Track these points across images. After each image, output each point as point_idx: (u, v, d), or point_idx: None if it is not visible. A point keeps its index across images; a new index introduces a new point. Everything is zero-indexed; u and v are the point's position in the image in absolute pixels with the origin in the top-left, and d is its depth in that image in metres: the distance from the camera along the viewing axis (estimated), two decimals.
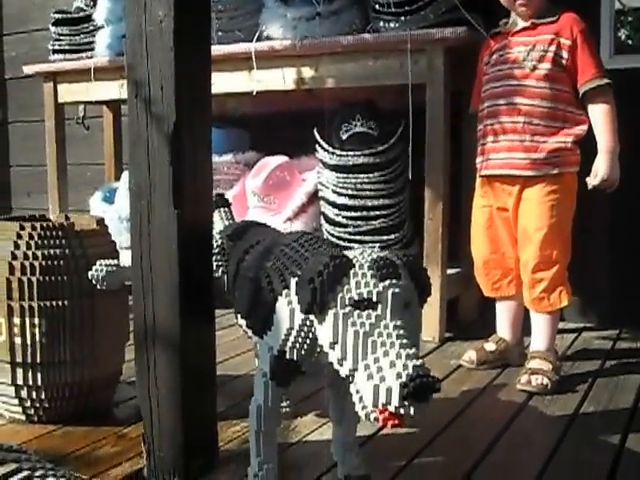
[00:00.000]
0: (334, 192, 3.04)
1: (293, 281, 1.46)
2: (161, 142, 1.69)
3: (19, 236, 2.08)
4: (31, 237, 2.08)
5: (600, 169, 2.35)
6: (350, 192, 2.99)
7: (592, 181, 2.37)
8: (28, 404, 2.11)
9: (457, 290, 3.11)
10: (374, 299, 1.33)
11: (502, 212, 2.53)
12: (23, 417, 2.14)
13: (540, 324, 2.49)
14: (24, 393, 2.10)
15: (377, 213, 2.97)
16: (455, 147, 2.87)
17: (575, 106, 2.41)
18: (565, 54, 2.38)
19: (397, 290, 1.34)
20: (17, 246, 2.07)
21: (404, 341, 1.29)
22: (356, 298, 1.34)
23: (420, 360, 1.27)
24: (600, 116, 2.37)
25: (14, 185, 5.04)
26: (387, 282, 1.34)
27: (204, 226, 1.78)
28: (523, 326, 2.64)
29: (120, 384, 2.33)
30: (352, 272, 1.36)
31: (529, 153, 2.42)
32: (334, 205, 3.05)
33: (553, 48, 2.38)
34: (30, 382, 2.08)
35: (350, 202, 2.99)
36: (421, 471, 1.83)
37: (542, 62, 2.39)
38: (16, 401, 2.12)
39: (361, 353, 1.30)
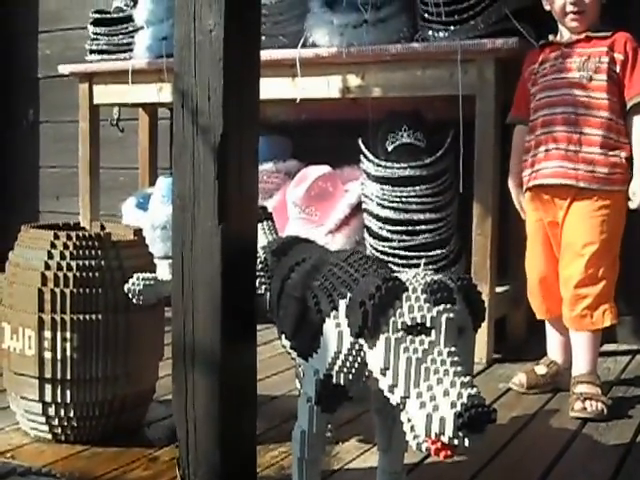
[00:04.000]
0: (378, 205, 2.96)
1: (342, 303, 1.40)
2: (207, 154, 1.63)
3: (53, 245, 2.02)
4: (66, 247, 2.01)
5: (638, 192, 2.30)
6: (395, 205, 2.91)
7: (632, 205, 2.33)
8: (55, 422, 2.03)
9: (505, 309, 3.01)
10: (428, 324, 1.27)
11: (553, 228, 2.44)
12: (49, 436, 2.05)
13: (581, 344, 2.39)
14: (52, 411, 2.01)
15: (423, 227, 2.88)
16: (504, 160, 2.78)
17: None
18: (618, 68, 2.35)
19: (451, 315, 1.28)
20: (51, 256, 2.01)
21: (458, 368, 1.23)
22: (409, 323, 1.28)
23: (475, 388, 1.21)
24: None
25: (42, 187, 4.89)
26: (441, 307, 1.28)
27: (249, 241, 1.71)
28: None
29: (152, 403, 2.25)
30: (405, 295, 1.30)
31: (584, 164, 2.34)
32: (378, 218, 2.97)
33: (606, 60, 2.35)
34: (59, 399, 2.00)
35: (395, 215, 2.91)
36: None
37: (598, 73, 2.35)
38: (43, 419, 2.03)
39: (413, 380, 1.25)
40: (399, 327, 1.28)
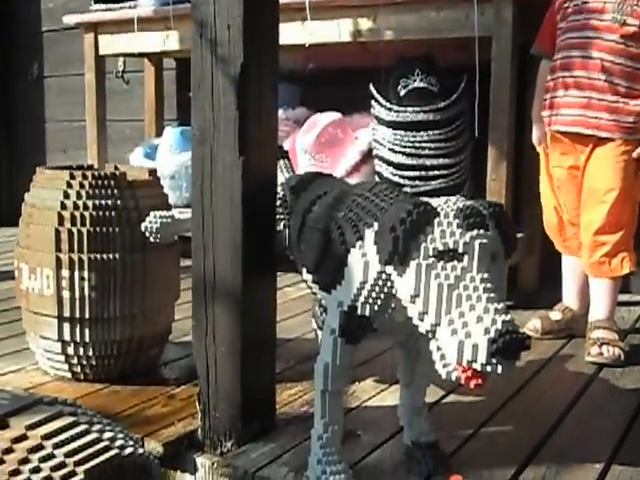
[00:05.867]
0: (390, 150, 2.91)
1: (368, 232, 1.37)
2: (227, 85, 1.59)
3: (69, 185, 1.99)
4: (82, 187, 1.99)
5: None
6: (408, 150, 2.86)
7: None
8: (75, 361, 2.04)
9: (518, 256, 2.96)
10: (460, 250, 1.25)
11: (573, 171, 2.38)
12: (69, 374, 2.07)
13: (600, 291, 2.36)
14: (70, 350, 2.02)
15: (436, 173, 2.84)
16: (520, 104, 2.72)
17: None
18: None
19: (484, 241, 1.26)
20: (67, 196, 1.99)
21: (491, 295, 1.21)
22: (441, 248, 1.25)
23: (509, 315, 1.19)
24: None
25: (49, 141, 4.88)
26: (474, 232, 1.26)
27: (269, 174, 1.68)
28: None
29: (168, 344, 2.25)
30: (437, 221, 1.27)
31: (606, 113, 2.26)
32: (390, 164, 2.92)
33: None
34: (77, 338, 2.00)
35: (407, 161, 2.87)
36: (489, 440, 1.75)
37: (632, 18, 2.22)
38: (62, 358, 2.04)
39: (445, 307, 1.23)
40: (430, 253, 1.25)
